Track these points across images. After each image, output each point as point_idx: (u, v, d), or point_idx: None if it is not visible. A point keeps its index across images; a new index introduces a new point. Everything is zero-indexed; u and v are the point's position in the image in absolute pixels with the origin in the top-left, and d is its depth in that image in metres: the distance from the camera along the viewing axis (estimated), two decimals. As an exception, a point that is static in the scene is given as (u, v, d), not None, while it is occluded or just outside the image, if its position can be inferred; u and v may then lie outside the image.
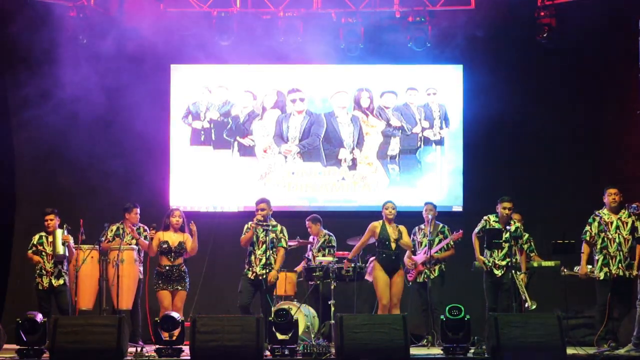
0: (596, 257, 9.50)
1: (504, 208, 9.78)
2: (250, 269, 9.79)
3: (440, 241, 10.25)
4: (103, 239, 9.92)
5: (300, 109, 12.06)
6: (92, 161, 11.71)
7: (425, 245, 10.19)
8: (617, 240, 9.47)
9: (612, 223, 9.51)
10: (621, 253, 9.42)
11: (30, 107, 11.69)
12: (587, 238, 9.53)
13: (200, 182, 11.96)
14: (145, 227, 10.37)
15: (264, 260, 9.69)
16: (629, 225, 9.48)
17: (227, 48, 11.60)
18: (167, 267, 9.84)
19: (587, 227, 9.56)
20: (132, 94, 11.40)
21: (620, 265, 9.42)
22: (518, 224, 9.74)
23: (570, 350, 8.88)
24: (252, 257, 9.79)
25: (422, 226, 10.34)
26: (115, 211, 10.69)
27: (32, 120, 11.75)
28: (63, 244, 9.79)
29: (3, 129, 11.71)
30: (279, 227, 9.90)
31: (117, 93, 11.47)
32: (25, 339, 8.75)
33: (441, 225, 10.37)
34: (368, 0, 11.65)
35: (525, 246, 10.15)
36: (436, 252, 10.19)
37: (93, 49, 11.44)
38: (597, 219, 9.54)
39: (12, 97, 11.76)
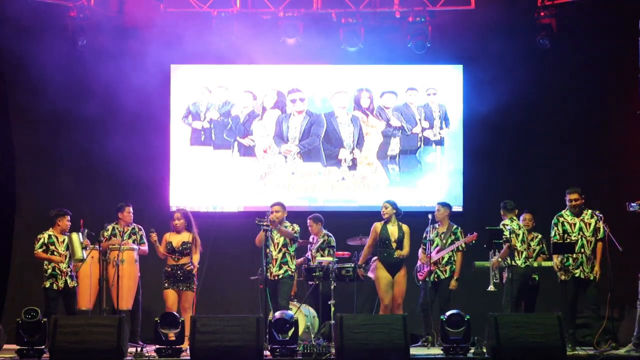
0: (560, 258, 9.57)
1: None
2: (268, 270, 9.81)
3: (452, 242, 10.22)
4: (102, 239, 9.92)
5: (300, 109, 12.05)
6: (93, 161, 11.72)
7: (438, 245, 10.19)
8: (580, 242, 9.51)
9: (575, 225, 9.55)
10: (583, 255, 9.45)
11: (30, 107, 11.70)
12: (558, 239, 9.61)
13: (201, 182, 11.95)
14: (140, 227, 10.41)
15: (279, 261, 9.79)
16: (592, 226, 9.50)
17: (227, 48, 11.59)
18: (172, 267, 9.88)
19: (554, 230, 9.66)
20: (132, 94, 11.39)
21: (582, 267, 9.45)
22: (507, 228, 9.78)
23: (570, 351, 8.89)
24: (269, 258, 9.81)
25: (437, 225, 10.32)
26: (115, 211, 10.70)
27: (32, 120, 11.77)
28: (84, 248, 9.67)
29: (3, 129, 11.71)
30: (291, 227, 10.01)
31: (117, 93, 11.46)
32: (25, 338, 8.76)
33: (455, 226, 10.33)
34: (368, 0, 11.66)
35: (538, 247, 10.16)
36: (448, 252, 10.18)
37: (93, 49, 11.44)
38: (561, 219, 9.61)
39: (12, 97, 11.76)
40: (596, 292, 9.49)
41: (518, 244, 9.80)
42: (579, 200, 9.60)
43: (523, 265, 9.83)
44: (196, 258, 10.03)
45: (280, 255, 9.85)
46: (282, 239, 9.88)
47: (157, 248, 10.01)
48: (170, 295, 9.86)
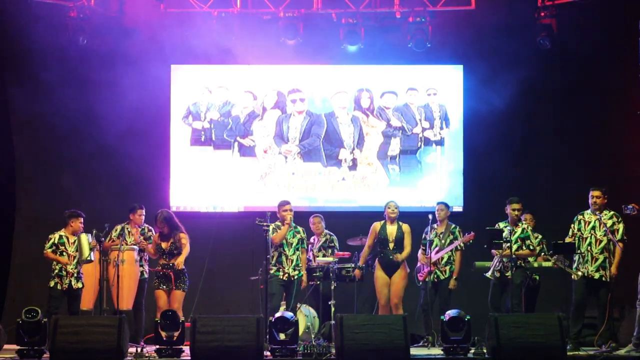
0: (574, 257, 9.56)
1: (513, 209, 9.77)
2: (282, 269, 9.80)
3: (451, 242, 10.21)
4: (104, 239, 9.90)
5: (300, 109, 12.05)
6: (93, 161, 11.72)
7: (437, 245, 10.18)
8: (588, 240, 9.48)
9: (589, 223, 9.53)
10: (590, 253, 9.42)
11: (30, 107, 11.70)
12: (570, 235, 9.60)
13: (201, 182, 11.95)
14: (151, 228, 10.39)
15: (294, 261, 9.81)
16: (608, 226, 9.44)
17: (227, 48, 11.59)
18: (163, 267, 9.87)
19: (571, 227, 9.64)
20: (132, 94, 11.40)
21: (587, 265, 9.43)
22: (525, 225, 9.75)
23: (571, 351, 8.89)
24: (283, 258, 9.80)
25: (435, 225, 10.30)
26: (115, 211, 10.71)
27: (32, 120, 11.77)
28: (91, 249, 9.72)
29: (3, 129, 11.71)
30: (300, 229, 10.00)
31: (118, 93, 11.47)
32: (25, 338, 8.76)
33: (453, 225, 10.31)
34: (368, 0, 11.66)
35: (538, 248, 10.16)
36: (447, 252, 10.16)
37: (93, 49, 11.44)
38: (580, 217, 9.59)
39: (12, 97, 11.76)
40: (607, 293, 9.43)
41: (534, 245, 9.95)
42: (600, 199, 9.50)
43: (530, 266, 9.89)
44: (182, 257, 9.78)
45: (295, 257, 9.84)
46: (295, 239, 9.86)
47: (149, 251, 10.07)
48: (161, 295, 9.85)
